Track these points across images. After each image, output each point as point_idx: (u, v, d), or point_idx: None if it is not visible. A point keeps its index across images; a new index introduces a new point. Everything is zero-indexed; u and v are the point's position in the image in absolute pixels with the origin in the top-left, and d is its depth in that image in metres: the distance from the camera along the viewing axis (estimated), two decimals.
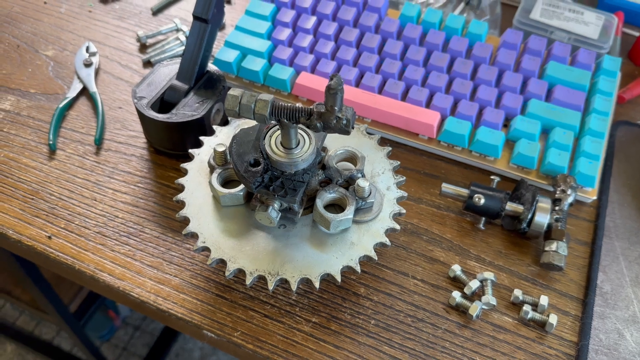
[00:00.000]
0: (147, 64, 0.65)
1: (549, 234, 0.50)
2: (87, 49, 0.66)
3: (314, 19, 0.63)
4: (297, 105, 0.41)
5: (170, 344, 1.38)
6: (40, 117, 0.60)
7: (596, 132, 0.55)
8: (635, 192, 0.56)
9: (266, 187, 0.43)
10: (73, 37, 0.68)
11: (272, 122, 0.41)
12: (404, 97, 0.59)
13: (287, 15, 0.64)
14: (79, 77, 0.63)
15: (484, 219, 0.52)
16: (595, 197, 0.54)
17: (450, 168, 0.57)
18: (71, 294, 0.92)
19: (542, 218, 0.50)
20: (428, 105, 0.58)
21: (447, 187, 0.52)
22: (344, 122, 0.40)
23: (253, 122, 0.50)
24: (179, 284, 0.48)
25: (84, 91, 0.62)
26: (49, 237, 0.51)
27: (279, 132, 0.45)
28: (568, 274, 0.50)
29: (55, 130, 0.58)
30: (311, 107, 0.40)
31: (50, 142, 0.57)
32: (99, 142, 0.58)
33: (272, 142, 0.44)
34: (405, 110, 0.57)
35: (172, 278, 0.49)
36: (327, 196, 0.45)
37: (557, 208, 0.51)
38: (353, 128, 0.41)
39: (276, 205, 0.44)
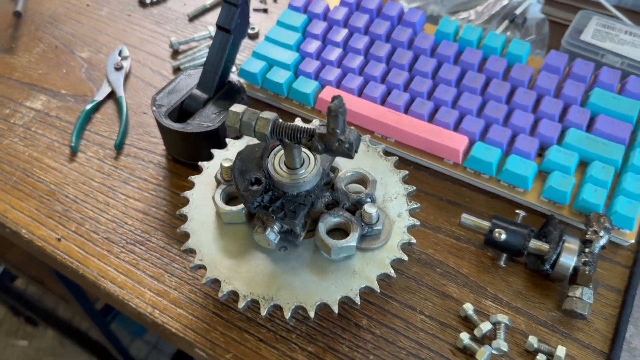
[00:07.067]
0: (177, 70, 0.65)
1: (575, 278, 0.45)
2: (120, 53, 0.66)
3: (345, 31, 0.61)
4: (299, 125, 0.39)
5: None
6: (67, 119, 0.61)
7: None
8: None
9: (265, 208, 0.42)
10: (109, 40, 0.69)
11: (274, 141, 0.40)
12: (431, 118, 0.56)
13: (318, 27, 0.62)
14: (108, 80, 0.63)
15: (505, 255, 0.49)
16: (633, 241, 0.49)
17: (475, 197, 0.54)
18: None
19: (568, 260, 0.45)
20: (457, 128, 0.55)
21: (466, 218, 0.49)
22: (347, 145, 0.37)
23: None
24: (177, 297, 0.47)
25: (112, 95, 0.63)
26: (59, 240, 0.51)
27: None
28: (593, 323, 0.46)
29: (79, 132, 0.59)
30: (313, 127, 0.38)
31: (72, 144, 0.57)
32: (119, 147, 0.58)
33: (276, 161, 0.42)
34: (430, 132, 0.54)
35: (172, 291, 0.48)
36: (331, 220, 0.43)
37: (586, 250, 0.46)
38: (357, 152, 0.38)
39: (276, 227, 0.42)
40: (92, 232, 0.52)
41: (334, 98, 0.36)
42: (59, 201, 0.54)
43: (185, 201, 0.47)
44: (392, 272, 0.42)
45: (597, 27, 0.64)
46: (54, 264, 0.51)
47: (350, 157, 0.38)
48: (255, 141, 0.48)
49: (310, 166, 0.42)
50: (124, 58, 0.66)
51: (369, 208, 0.42)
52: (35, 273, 0.96)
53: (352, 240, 0.42)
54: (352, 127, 0.38)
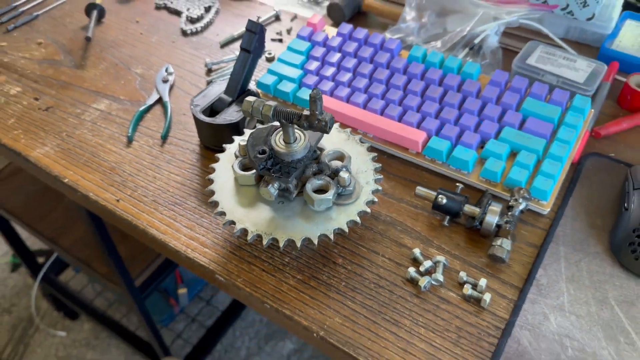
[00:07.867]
0: (210, 83, 0.84)
1: (498, 232, 0.61)
2: (166, 70, 0.85)
3: (338, 55, 0.79)
4: (292, 109, 0.56)
5: (220, 339, 1.54)
6: (124, 117, 0.79)
7: (556, 156, 0.66)
8: (589, 211, 0.66)
9: (268, 170, 0.59)
10: (158, 60, 0.88)
11: (276, 122, 0.57)
12: (400, 118, 0.73)
13: (318, 52, 0.80)
14: (157, 90, 0.82)
15: (448, 217, 0.65)
16: (548, 210, 0.65)
17: (432, 178, 0.70)
18: (138, 270, 1.11)
19: (492, 218, 0.61)
20: (419, 126, 0.72)
21: (420, 190, 0.65)
22: (323, 123, 0.55)
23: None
24: (204, 241, 0.64)
25: (160, 100, 0.82)
26: (118, 200, 0.69)
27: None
28: (513, 267, 0.61)
29: (134, 126, 0.77)
30: (301, 112, 0.56)
31: (129, 135, 0.76)
32: (164, 138, 0.76)
33: (277, 138, 0.60)
34: (399, 129, 0.71)
35: (200, 236, 0.65)
36: (315, 182, 0.60)
37: (509, 213, 0.62)
38: (331, 129, 0.55)
39: (275, 185, 0.59)
40: (142, 196, 0.69)
41: (314, 89, 0.53)
42: (118, 174, 0.72)
43: (212, 170, 0.64)
44: (358, 220, 0.59)
45: (541, 53, 0.81)
46: (113, 218, 0.69)
47: (326, 132, 0.55)
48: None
49: (301, 142, 0.59)
50: (170, 74, 0.85)
51: (343, 174, 0.59)
52: (84, 256, 1.14)
53: (329, 195, 0.59)
54: (328, 112, 0.56)
